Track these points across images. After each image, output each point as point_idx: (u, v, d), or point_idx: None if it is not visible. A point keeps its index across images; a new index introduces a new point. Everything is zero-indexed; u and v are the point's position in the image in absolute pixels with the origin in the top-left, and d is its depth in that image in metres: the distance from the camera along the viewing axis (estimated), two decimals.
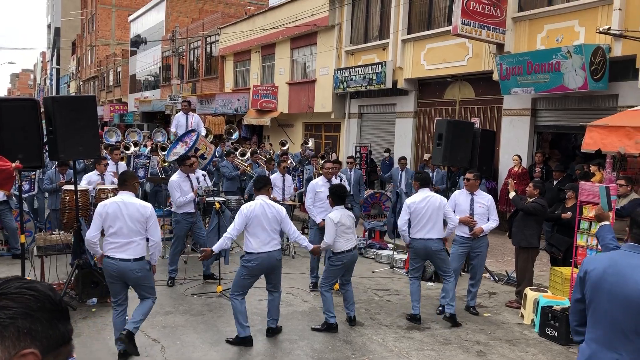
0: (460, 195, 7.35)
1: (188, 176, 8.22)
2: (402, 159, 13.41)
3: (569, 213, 7.74)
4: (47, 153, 7.40)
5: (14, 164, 4.64)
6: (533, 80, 10.87)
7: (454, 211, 7.13)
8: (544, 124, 12.25)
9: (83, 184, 8.69)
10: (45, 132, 6.84)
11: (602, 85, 9.96)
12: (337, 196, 6.40)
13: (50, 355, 1.18)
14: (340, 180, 8.33)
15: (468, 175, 7.33)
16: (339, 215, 6.27)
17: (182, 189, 8.06)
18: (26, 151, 6.15)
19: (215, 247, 5.78)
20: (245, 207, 5.81)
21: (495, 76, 12.10)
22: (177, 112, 14.51)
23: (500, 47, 12.09)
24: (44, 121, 6.75)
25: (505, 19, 11.94)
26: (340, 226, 6.24)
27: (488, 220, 7.18)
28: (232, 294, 5.85)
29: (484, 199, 7.24)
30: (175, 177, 8.26)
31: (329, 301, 6.32)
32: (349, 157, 12.62)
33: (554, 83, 10.43)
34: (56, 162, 9.47)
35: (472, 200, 7.19)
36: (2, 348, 1.11)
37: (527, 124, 12.28)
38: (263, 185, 6.00)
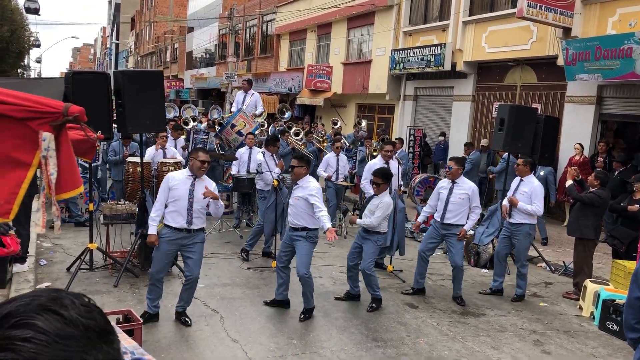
0: (514, 181, 7.55)
1: (272, 156, 8.51)
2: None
3: (636, 206, 7.48)
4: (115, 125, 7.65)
5: (96, 134, 4.82)
6: (601, 67, 10.46)
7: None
8: (609, 112, 11.80)
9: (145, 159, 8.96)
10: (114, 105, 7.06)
11: None
12: (385, 176, 6.39)
13: None
14: (399, 163, 8.25)
15: (518, 161, 7.48)
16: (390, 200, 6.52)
17: (270, 166, 8.28)
18: (96, 123, 6.33)
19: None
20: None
21: (560, 61, 11.70)
22: (238, 91, 14.67)
23: (567, 31, 11.66)
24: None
25: (574, 2, 11.50)
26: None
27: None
28: (309, 271, 5.95)
29: (527, 187, 7.19)
30: (267, 155, 8.57)
31: (376, 279, 6.52)
32: (397, 139, 12.57)
33: (624, 70, 10.00)
34: (120, 135, 9.79)
35: (517, 186, 7.33)
36: None
37: (591, 112, 11.85)
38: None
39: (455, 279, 6.95)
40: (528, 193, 7.11)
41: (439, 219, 7.02)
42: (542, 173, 10.27)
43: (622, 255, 7.61)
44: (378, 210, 6.29)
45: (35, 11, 32.70)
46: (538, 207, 7.08)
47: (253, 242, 8.27)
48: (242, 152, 9.84)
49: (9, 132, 2.99)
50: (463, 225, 6.86)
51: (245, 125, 11.07)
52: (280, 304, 6.26)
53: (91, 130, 3.38)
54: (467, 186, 6.99)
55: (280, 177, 7.96)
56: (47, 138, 2.97)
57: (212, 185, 5.66)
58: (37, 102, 3.02)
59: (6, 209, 3.04)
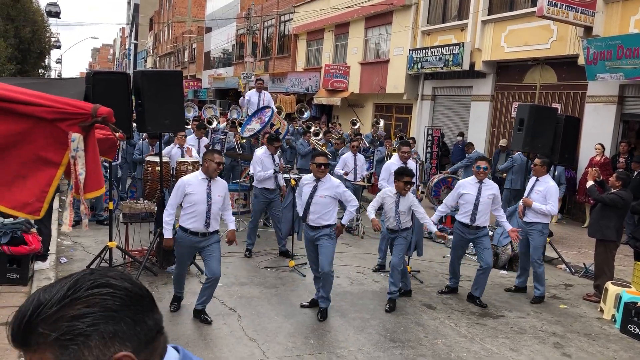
0: (530, 181, 7.52)
1: (272, 155, 8.39)
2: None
3: None
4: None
5: (117, 134, 4.87)
6: (623, 66, 10.32)
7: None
8: (631, 112, 11.63)
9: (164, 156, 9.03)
10: (134, 105, 7.13)
11: None
12: (408, 173, 6.44)
13: (145, 352, 1.05)
14: (416, 162, 8.23)
15: (536, 161, 7.44)
16: None
17: (264, 164, 8.24)
18: (117, 123, 6.39)
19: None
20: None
21: (581, 61, 11.57)
22: (249, 90, 14.72)
23: (588, 30, 11.53)
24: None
25: (596, 0, 11.35)
26: None
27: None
28: (332, 268, 6.06)
29: (542, 186, 7.18)
30: (260, 152, 8.47)
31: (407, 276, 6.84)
32: (410, 138, 12.51)
33: None
34: (144, 134, 9.88)
35: (533, 186, 7.31)
36: (92, 357, 0.99)
37: (612, 112, 11.69)
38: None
39: (481, 280, 6.80)
40: (543, 192, 7.13)
41: (467, 221, 6.80)
42: (556, 173, 10.18)
43: None
44: (416, 207, 6.48)
45: (57, 15, 33.15)
46: (552, 206, 7.09)
47: (251, 241, 8.38)
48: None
49: (40, 133, 3.05)
50: (485, 227, 6.85)
51: (280, 125, 11.17)
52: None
53: (120, 133, 3.44)
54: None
55: (297, 177, 7.97)
56: (76, 139, 3.02)
57: (224, 185, 5.75)
58: (67, 103, 3.08)
59: (37, 207, 3.10)
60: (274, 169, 8.47)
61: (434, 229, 6.62)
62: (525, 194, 7.36)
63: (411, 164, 8.04)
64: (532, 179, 7.44)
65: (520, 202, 7.38)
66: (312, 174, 6.20)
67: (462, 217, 6.85)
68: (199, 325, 5.57)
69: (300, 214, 6.22)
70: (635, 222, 8.11)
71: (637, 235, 7.64)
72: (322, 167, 6.03)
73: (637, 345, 5.85)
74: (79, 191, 3.05)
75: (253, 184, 8.63)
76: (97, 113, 3.06)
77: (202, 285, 5.71)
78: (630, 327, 6.07)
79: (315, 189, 6.04)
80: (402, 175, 6.36)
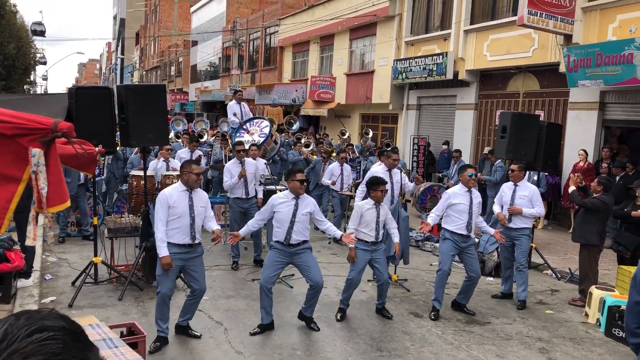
0: (506, 187, 7.54)
1: (241, 162, 8.36)
2: (456, 151, 13.36)
3: None
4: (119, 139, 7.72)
5: (97, 149, 4.87)
6: (602, 73, 10.47)
7: (502, 204, 7.48)
8: (612, 118, 11.79)
9: (149, 170, 9.01)
10: (117, 119, 7.14)
11: None
12: (377, 182, 6.36)
13: None
14: (401, 172, 8.25)
15: (513, 167, 7.50)
16: None
17: (231, 174, 8.26)
18: (100, 137, 6.42)
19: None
20: None
21: (562, 68, 11.72)
22: (230, 101, 14.59)
23: (568, 38, 11.70)
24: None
25: (575, 9, 11.54)
26: None
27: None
28: None
29: (526, 190, 7.29)
30: (230, 162, 8.57)
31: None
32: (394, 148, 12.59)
33: (626, 76, 10.01)
34: (136, 149, 9.88)
35: (514, 192, 7.34)
36: None
37: (594, 118, 11.85)
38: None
39: (470, 289, 6.77)
40: (528, 197, 7.23)
41: (465, 232, 6.62)
42: (535, 178, 10.30)
43: (627, 261, 7.57)
44: (390, 216, 6.47)
45: (42, 33, 33.14)
46: (540, 208, 7.34)
47: (236, 253, 8.38)
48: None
49: (0, 150, 3.04)
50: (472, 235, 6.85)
51: (275, 135, 11.33)
52: (271, 326, 5.96)
53: (84, 145, 3.43)
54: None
55: (284, 187, 7.98)
56: (36, 154, 3.03)
57: (205, 196, 5.69)
58: (26, 119, 3.08)
59: None
60: (260, 180, 8.51)
61: (397, 240, 6.51)
62: (508, 201, 7.37)
63: (396, 172, 8.08)
64: (509, 185, 7.48)
65: (505, 211, 7.38)
66: (286, 192, 5.96)
67: (457, 227, 6.61)
68: (183, 340, 5.54)
69: (281, 238, 5.81)
70: (618, 226, 8.20)
71: (620, 240, 7.73)
72: (304, 183, 5.90)
73: (622, 348, 5.90)
74: (42, 205, 3.05)
75: (228, 195, 8.65)
76: (57, 128, 3.06)
77: (186, 301, 5.62)
78: (615, 331, 6.13)
79: (296, 207, 5.80)
80: (377, 184, 6.24)
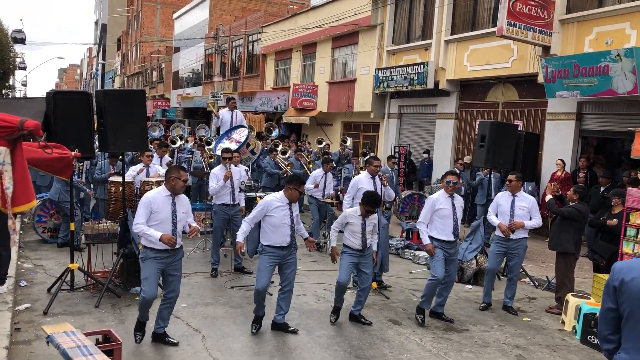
0: (502, 197, 7.39)
1: (227, 168, 8.36)
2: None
3: (615, 220, 7.57)
4: (97, 145, 7.64)
5: (72, 153, 4.82)
6: (579, 84, 10.66)
7: (497, 213, 7.37)
8: (589, 128, 11.99)
9: (129, 174, 8.93)
10: (96, 125, 7.07)
11: None
12: (375, 203, 6.29)
13: None
14: (381, 180, 8.16)
15: (510, 177, 7.32)
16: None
17: (218, 179, 8.26)
18: (78, 142, 6.36)
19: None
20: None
21: (540, 79, 11.91)
22: (222, 109, 14.61)
23: (546, 49, 11.90)
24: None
25: (553, 21, 11.74)
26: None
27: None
28: None
29: (525, 201, 7.23)
30: (216, 168, 8.53)
31: None
32: (391, 157, 12.56)
33: (602, 87, 10.20)
34: (107, 154, 9.75)
35: (512, 202, 7.19)
36: None
37: (571, 128, 12.04)
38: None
39: (445, 293, 6.82)
40: (528, 208, 7.19)
41: (452, 238, 6.65)
42: (529, 189, 10.38)
43: (603, 270, 7.67)
44: (376, 226, 6.49)
45: (22, 41, 32.93)
46: (539, 219, 7.26)
47: (216, 259, 8.34)
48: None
49: None
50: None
51: (255, 145, 11.28)
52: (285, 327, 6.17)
53: (49, 146, 3.40)
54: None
55: (264, 195, 7.97)
56: (2, 152, 2.99)
57: (187, 201, 5.64)
58: None
59: None
60: (240, 187, 8.48)
61: (375, 248, 6.59)
62: (506, 211, 7.18)
63: (376, 181, 8.07)
64: (506, 195, 7.32)
65: (492, 218, 7.31)
66: (280, 195, 6.03)
67: (443, 234, 6.62)
68: (160, 347, 5.47)
69: (277, 242, 5.90)
70: (594, 235, 8.32)
71: (596, 248, 7.84)
72: (299, 193, 6.02)
73: (597, 355, 5.97)
74: (6, 205, 3.00)
75: (212, 201, 8.60)
76: (23, 126, 3.03)
77: (160, 306, 5.53)
78: (590, 338, 6.20)
79: (291, 212, 5.96)
80: (368, 203, 6.20)
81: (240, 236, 6.05)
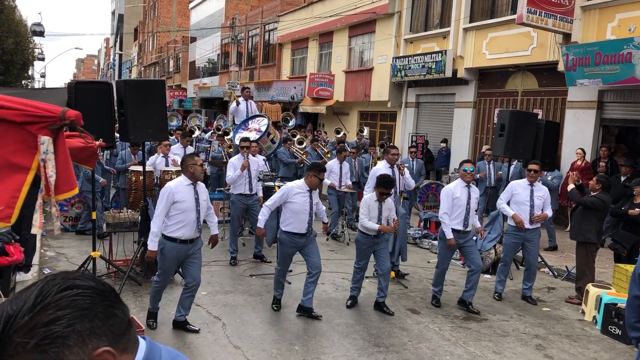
0: (519, 186, 7.32)
1: (245, 157, 8.41)
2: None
3: (637, 209, 7.48)
4: (118, 134, 7.72)
5: (97, 142, 4.88)
6: (601, 72, 10.50)
7: (509, 202, 7.35)
8: (610, 117, 11.82)
9: (148, 165, 9.01)
10: (116, 115, 7.14)
11: None
12: (389, 184, 6.40)
13: (121, 345, 1.10)
14: (399, 169, 8.17)
15: (534, 166, 7.25)
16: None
17: (235, 168, 8.31)
18: (99, 132, 6.40)
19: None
20: None
21: (561, 67, 11.74)
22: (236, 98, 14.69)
23: (567, 36, 11.72)
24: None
25: (574, 8, 11.55)
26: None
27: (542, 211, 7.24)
28: None
29: (542, 191, 7.24)
30: (234, 157, 8.58)
31: None
32: (411, 147, 12.53)
33: (624, 75, 10.03)
34: (129, 143, 9.85)
35: (532, 192, 7.16)
36: (73, 357, 1.03)
37: (592, 117, 11.88)
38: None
39: (473, 280, 6.79)
40: (544, 198, 7.20)
41: (461, 227, 6.71)
42: (549, 178, 10.26)
43: (623, 259, 7.60)
44: (393, 211, 6.60)
45: (41, 34, 33.33)
46: (550, 210, 7.35)
47: (234, 248, 8.43)
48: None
49: (10, 137, 3.05)
50: (471, 230, 6.89)
51: (275, 134, 11.32)
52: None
53: (90, 136, 3.44)
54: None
55: (282, 184, 8.00)
56: (45, 142, 3.03)
57: (205, 188, 5.75)
58: (35, 106, 3.09)
59: (7, 214, 3.09)
60: (258, 177, 8.52)
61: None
62: (524, 201, 7.14)
63: (394, 171, 8.05)
64: (524, 184, 7.25)
65: (525, 213, 7.15)
66: (301, 183, 6.20)
67: (455, 224, 6.69)
68: (181, 334, 5.55)
69: (298, 229, 6.07)
70: (614, 224, 8.22)
71: (617, 238, 7.75)
72: (322, 182, 6.28)
73: (618, 345, 5.94)
74: (50, 193, 3.05)
75: (230, 190, 8.66)
76: (65, 116, 3.07)
77: (182, 295, 5.62)
78: (611, 328, 6.16)
79: (311, 199, 6.14)
80: (380, 185, 6.34)
81: (262, 222, 6.26)
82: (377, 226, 6.34)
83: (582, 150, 11.31)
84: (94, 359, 1.05)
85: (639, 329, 3.06)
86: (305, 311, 6.24)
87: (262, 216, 6.25)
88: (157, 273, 5.66)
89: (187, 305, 5.64)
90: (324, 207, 6.75)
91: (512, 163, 10.17)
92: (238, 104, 12.51)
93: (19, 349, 1.01)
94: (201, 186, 5.62)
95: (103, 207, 10.17)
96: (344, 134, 16.55)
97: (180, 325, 5.65)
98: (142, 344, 1.19)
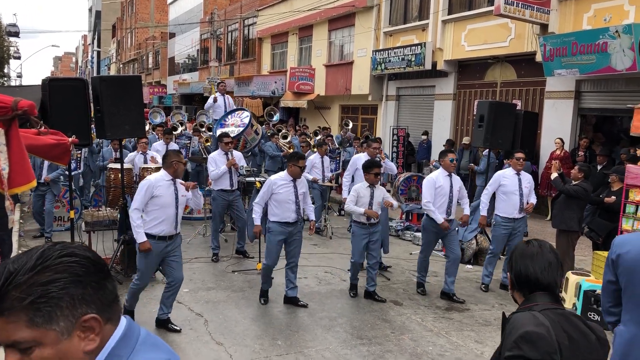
0: (507, 176, 7.31)
1: (226, 153, 8.34)
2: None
3: (613, 197, 7.57)
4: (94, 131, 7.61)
5: (70, 139, 4.80)
6: (578, 62, 10.60)
7: (497, 191, 7.39)
8: (588, 106, 11.94)
9: (126, 163, 8.91)
10: (92, 112, 7.03)
11: None
12: (377, 164, 6.66)
13: (106, 315, 1.20)
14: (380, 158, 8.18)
15: (520, 155, 7.30)
16: None
17: (217, 164, 8.22)
18: (75, 130, 6.31)
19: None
20: None
21: (538, 57, 11.83)
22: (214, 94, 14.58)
23: (544, 27, 11.81)
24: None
25: None
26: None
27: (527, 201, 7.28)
28: None
29: (527, 180, 7.30)
30: (215, 153, 8.50)
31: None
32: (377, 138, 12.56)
33: (600, 64, 10.14)
34: (110, 140, 9.70)
35: (520, 181, 7.22)
36: (63, 318, 1.13)
37: (570, 107, 11.99)
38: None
39: (452, 270, 6.88)
40: (530, 187, 7.27)
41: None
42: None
43: (602, 247, 7.69)
44: (388, 197, 6.73)
45: (16, 34, 32.79)
46: (535, 198, 7.40)
47: (216, 244, 8.37)
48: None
49: None
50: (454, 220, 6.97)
51: (257, 126, 11.27)
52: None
53: (45, 126, 3.37)
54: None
55: (263, 179, 7.96)
56: None
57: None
58: None
59: None
60: (239, 172, 8.46)
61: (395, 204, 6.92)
62: (513, 190, 7.15)
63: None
64: (511, 173, 7.25)
65: (515, 202, 7.16)
66: (284, 174, 6.34)
67: (438, 212, 6.75)
68: (164, 332, 5.50)
69: (283, 217, 6.20)
70: (592, 212, 8.32)
71: (592, 226, 7.83)
72: (303, 170, 6.34)
73: None
74: (3, 186, 2.98)
75: (211, 187, 8.58)
76: (17, 106, 2.99)
77: (164, 293, 5.56)
78: (590, 315, 6.24)
79: (295, 188, 6.25)
80: (371, 167, 6.50)
81: (257, 219, 6.31)
82: (362, 210, 6.42)
83: (561, 139, 11.43)
84: (82, 323, 1.15)
85: (614, 314, 3.09)
86: (292, 301, 6.42)
87: (256, 214, 6.32)
88: (136, 274, 5.57)
89: (169, 303, 5.58)
90: (313, 205, 6.77)
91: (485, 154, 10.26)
92: (215, 100, 12.42)
93: (16, 303, 1.10)
94: (178, 182, 5.57)
95: (82, 205, 10.05)
96: (352, 125, 16.63)
97: (163, 324, 5.59)
98: (123, 320, 1.27)
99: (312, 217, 6.62)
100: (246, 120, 10.66)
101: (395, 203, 6.99)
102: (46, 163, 8.56)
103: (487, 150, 10.14)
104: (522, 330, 1.95)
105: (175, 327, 5.58)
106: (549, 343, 1.92)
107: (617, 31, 9.62)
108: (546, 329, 1.96)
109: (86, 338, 1.16)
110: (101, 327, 1.18)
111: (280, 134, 13.70)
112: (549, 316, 2.03)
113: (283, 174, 6.36)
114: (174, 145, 11.11)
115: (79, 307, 1.14)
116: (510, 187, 7.18)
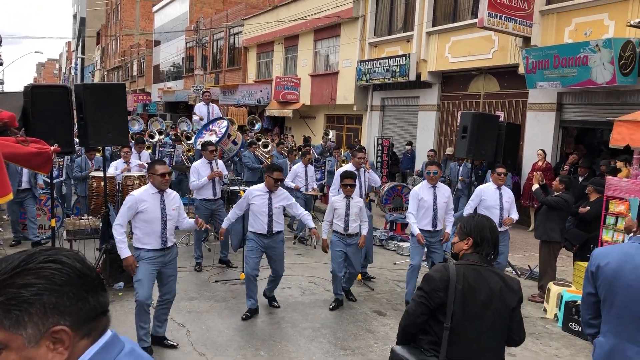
0: (488, 190, 7.31)
1: (210, 162, 8.30)
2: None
3: (587, 208, 7.67)
4: (77, 140, 7.55)
5: (52, 148, 4.75)
6: (559, 75, 10.75)
7: (478, 206, 7.34)
8: (569, 118, 12.11)
9: (110, 171, 8.84)
10: (75, 119, 6.98)
11: (631, 80, 9.80)
12: (353, 176, 6.86)
13: (83, 330, 1.14)
14: (364, 171, 8.20)
15: (501, 170, 7.31)
16: None
17: (199, 174, 8.18)
18: (58, 137, 6.25)
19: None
20: None
21: (521, 70, 11.99)
22: (198, 102, 14.59)
23: (526, 40, 11.98)
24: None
25: (533, 12, 11.82)
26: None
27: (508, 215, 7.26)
28: None
29: (508, 194, 7.31)
30: (198, 162, 8.45)
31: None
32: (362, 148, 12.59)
33: (581, 77, 10.30)
34: (84, 149, 9.62)
35: (501, 196, 7.22)
36: (32, 325, 1.09)
37: (552, 119, 12.16)
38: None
39: None
40: (510, 202, 7.25)
41: (430, 228, 6.83)
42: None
43: (578, 257, 7.78)
44: (362, 211, 6.78)
45: None
46: (516, 213, 7.38)
47: (199, 254, 8.35)
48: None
49: None
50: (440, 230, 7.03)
51: (236, 135, 11.23)
52: (256, 311, 6.44)
53: (25, 137, 3.34)
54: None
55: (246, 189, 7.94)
56: None
57: (177, 197, 5.40)
58: None
59: None
60: (223, 181, 8.44)
61: (364, 232, 6.86)
62: (494, 205, 7.14)
63: (361, 172, 8.07)
64: (492, 188, 7.24)
65: (496, 217, 7.10)
66: (261, 186, 6.35)
67: (423, 225, 6.77)
68: (158, 348, 5.43)
69: (259, 229, 6.23)
70: (571, 223, 8.42)
71: (567, 236, 7.91)
72: (279, 182, 6.28)
73: (578, 341, 6.07)
74: None
75: (194, 196, 8.52)
76: None
77: (157, 308, 5.36)
78: (571, 325, 6.30)
79: (270, 200, 6.25)
80: (343, 178, 6.69)
81: (225, 222, 6.47)
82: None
83: (543, 151, 11.57)
84: (50, 333, 1.10)
85: (594, 326, 3.12)
86: (267, 298, 6.69)
87: (228, 219, 6.49)
88: (135, 290, 5.11)
89: (163, 319, 5.40)
90: (308, 213, 6.69)
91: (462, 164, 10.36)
92: (201, 118, 12.39)
93: None
94: (171, 195, 5.28)
95: (64, 213, 9.94)
96: (331, 137, 16.65)
97: (159, 340, 5.40)
98: (108, 334, 1.21)
99: (311, 224, 6.44)
100: (223, 131, 10.62)
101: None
102: (25, 169, 8.45)
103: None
104: (427, 273, 2.93)
105: (173, 343, 5.41)
106: (436, 283, 2.79)
107: (597, 45, 9.79)
108: (441, 275, 2.81)
109: (55, 350, 1.11)
110: (71, 341, 1.12)
111: (260, 142, 13.66)
112: (459, 269, 2.81)
113: (261, 185, 6.39)
114: (145, 154, 10.97)
115: (51, 316, 1.10)
116: (491, 202, 7.16)
